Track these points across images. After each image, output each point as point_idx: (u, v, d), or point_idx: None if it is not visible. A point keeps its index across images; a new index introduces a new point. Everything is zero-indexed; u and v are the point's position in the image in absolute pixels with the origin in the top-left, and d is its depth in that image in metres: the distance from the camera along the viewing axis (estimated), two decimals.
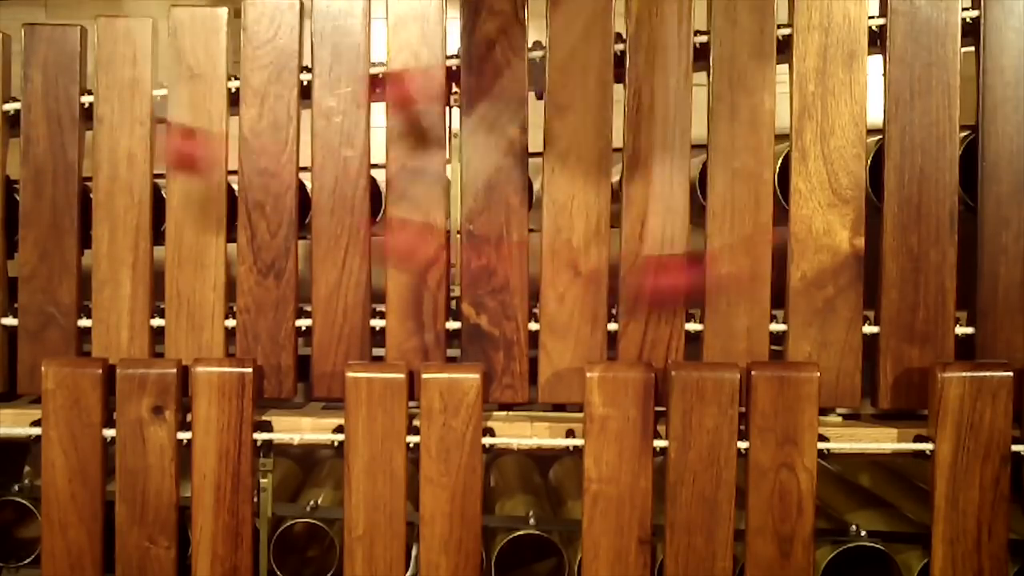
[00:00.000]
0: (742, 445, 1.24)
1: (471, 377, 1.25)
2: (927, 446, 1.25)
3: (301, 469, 1.70)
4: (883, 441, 1.30)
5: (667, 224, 1.30)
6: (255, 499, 1.30)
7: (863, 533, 1.34)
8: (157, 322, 1.35)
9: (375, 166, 1.35)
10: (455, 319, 1.34)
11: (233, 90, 1.35)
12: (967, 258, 1.30)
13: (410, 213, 1.30)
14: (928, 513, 1.25)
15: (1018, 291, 1.29)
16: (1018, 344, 1.29)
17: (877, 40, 1.31)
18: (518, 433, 1.31)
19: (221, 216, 1.34)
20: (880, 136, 1.31)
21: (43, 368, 1.28)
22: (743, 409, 1.24)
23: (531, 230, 1.34)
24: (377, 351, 1.35)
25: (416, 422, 1.27)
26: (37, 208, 1.35)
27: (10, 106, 1.37)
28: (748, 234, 1.30)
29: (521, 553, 1.42)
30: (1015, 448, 1.23)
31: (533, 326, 1.33)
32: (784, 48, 1.31)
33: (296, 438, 1.31)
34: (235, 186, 1.35)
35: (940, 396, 1.23)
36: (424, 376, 1.26)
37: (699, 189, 1.38)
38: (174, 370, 1.28)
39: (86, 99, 1.36)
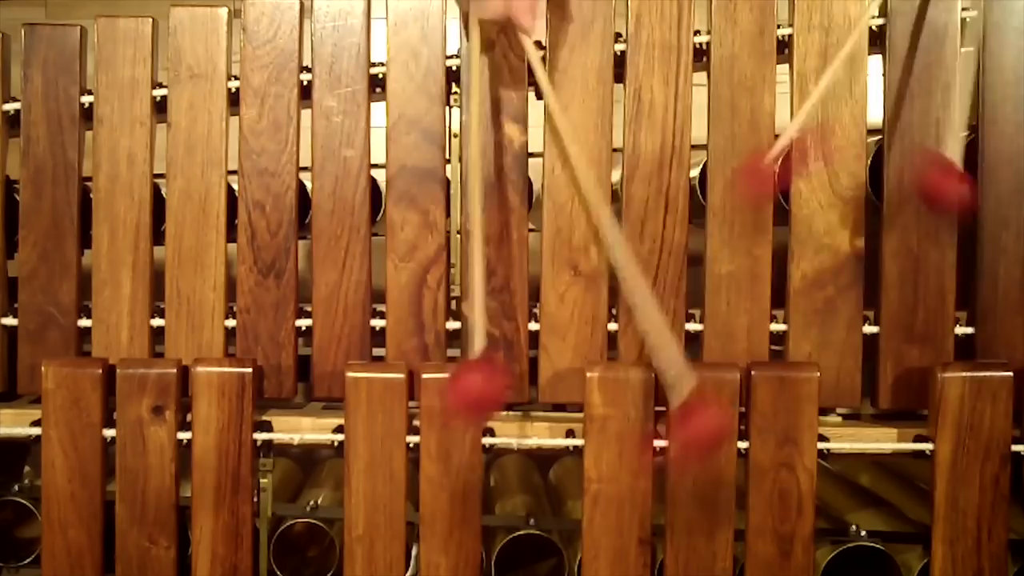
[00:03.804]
0: (742, 445, 1.24)
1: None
2: (927, 446, 1.25)
3: (301, 469, 1.70)
4: (883, 441, 1.30)
5: None
6: (255, 499, 1.30)
7: (863, 533, 1.34)
8: (157, 322, 1.35)
9: (375, 166, 1.35)
10: (455, 319, 1.34)
11: (233, 90, 1.35)
12: (967, 258, 1.30)
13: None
14: (928, 513, 1.25)
15: (1018, 291, 1.29)
16: (1018, 344, 1.29)
17: (877, 40, 1.31)
18: (518, 433, 1.31)
19: (221, 216, 1.34)
20: (880, 136, 1.31)
21: (43, 368, 1.28)
22: (743, 409, 1.24)
23: (531, 230, 1.34)
24: (377, 351, 1.35)
25: (416, 422, 1.27)
26: (37, 208, 1.35)
27: (10, 106, 1.37)
28: (748, 234, 1.30)
29: (521, 553, 1.42)
30: (1015, 448, 1.23)
31: (533, 326, 1.33)
32: (784, 48, 1.31)
33: (296, 438, 1.31)
34: (235, 186, 1.36)
35: (940, 396, 1.23)
36: (424, 376, 1.26)
37: (699, 189, 1.38)
38: (174, 370, 1.28)
39: (86, 99, 1.36)
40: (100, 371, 1.28)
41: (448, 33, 1.33)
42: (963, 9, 1.29)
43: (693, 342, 1.32)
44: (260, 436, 1.30)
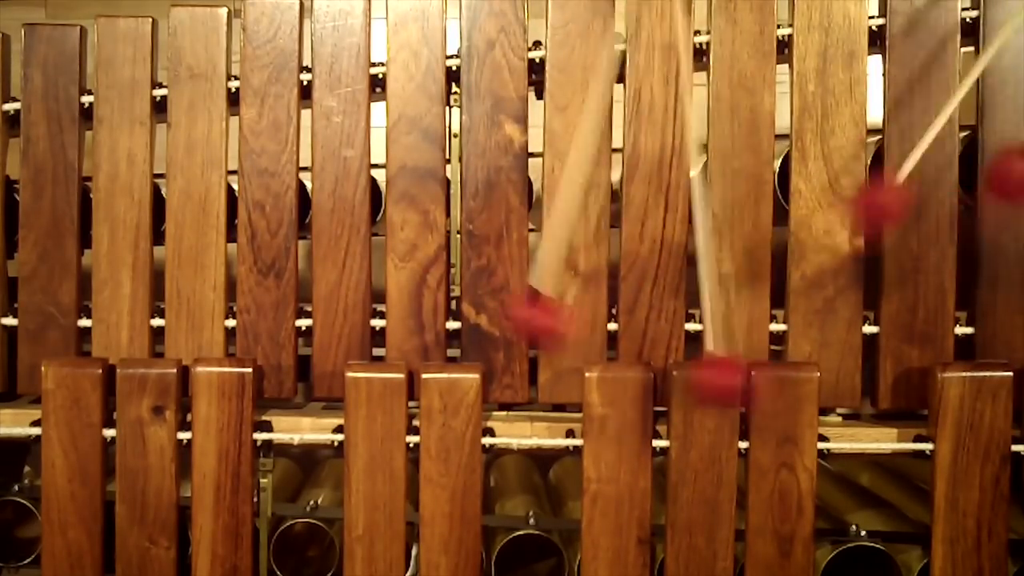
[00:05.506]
0: (742, 445, 1.24)
1: (471, 377, 1.25)
2: (927, 446, 1.25)
3: (301, 469, 1.70)
4: (883, 441, 1.30)
5: None
6: (255, 499, 1.30)
7: (863, 533, 1.34)
8: (157, 322, 1.35)
9: (375, 166, 1.35)
10: (455, 319, 1.34)
11: (233, 90, 1.35)
12: (967, 258, 1.30)
13: None
14: (928, 513, 1.25)
15: (1018, 291, 1.29)
16: (1018, 344, 1.29)
17: (877, 40, 1.31)
18: (518, 433, 1.31)
19: (221, 216, 1.35)
20: (880, 136, 1.31)
21: (43, 368, 1.28)
22: (743, 409, 1.24)
23: (531, 230, 1.34)
24: (377, 351, 1.35)
25: (416, 422, 1.27)
26: (37, 208, 1.35)
27: (10, 106, 1.37)
28: (748, 234, 1.30)
29: (521, 553, 1.42)
30: (1015, 448, 1.23)
31: None
32: (784, 48, 1.31)
33: (296, 438, 1.31)
34: (235, 186, 1.36)
35: (940, 396, 1.23)
36: (424, 376, 1.26)
37: None
38: (174, 370, 1.28)
39: (86, 99, 1.36)
40: (100, 371, 1.28)
41: (448, 33, 1.33)
42: (963, 9, 1.29)
43: (693, 342, 1.32)
44: (260, 436, 1.30)
